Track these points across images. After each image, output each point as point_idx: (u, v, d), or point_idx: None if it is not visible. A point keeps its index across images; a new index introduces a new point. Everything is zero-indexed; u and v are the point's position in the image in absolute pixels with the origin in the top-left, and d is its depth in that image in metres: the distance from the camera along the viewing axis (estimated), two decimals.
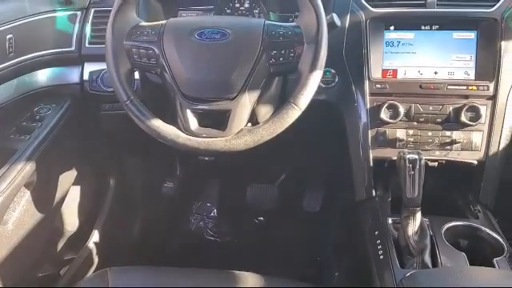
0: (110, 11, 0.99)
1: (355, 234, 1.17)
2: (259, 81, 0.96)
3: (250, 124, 0.99)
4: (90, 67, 1.29)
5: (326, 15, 0.96)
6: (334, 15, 1.02)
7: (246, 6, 1.39)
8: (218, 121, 0.97)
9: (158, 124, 0.97)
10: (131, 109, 0.97)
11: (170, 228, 1.84)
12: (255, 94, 0.96)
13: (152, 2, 1.33)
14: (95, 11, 1.31)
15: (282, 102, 0.98)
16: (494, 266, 0.89)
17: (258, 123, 0.97)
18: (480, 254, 0.96)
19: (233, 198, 1.96)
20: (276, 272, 1.02)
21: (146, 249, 1.68)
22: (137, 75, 1.22)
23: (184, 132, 0.97)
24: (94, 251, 1.49)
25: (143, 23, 1.01)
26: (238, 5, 1.40)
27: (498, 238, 0.98)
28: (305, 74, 0.93)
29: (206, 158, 1.69)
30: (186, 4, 1.39)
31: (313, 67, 0.92)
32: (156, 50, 0.97)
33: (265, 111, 1.05)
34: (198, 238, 1.85)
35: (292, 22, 0.99)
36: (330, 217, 1.73)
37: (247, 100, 0.95)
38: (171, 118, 1.00)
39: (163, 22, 1.01)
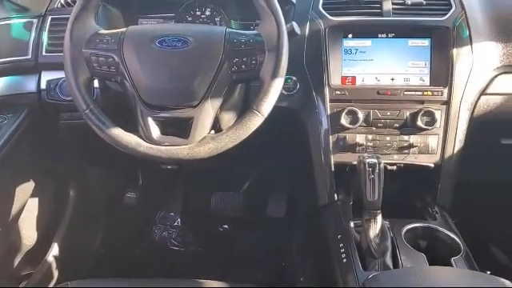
0: (67, 19, 0.97)
1: (319, 239, 1.19)
2: (222, 88, 0.96)
3: (213, 131, 0.99)
4: (47, 76, 1.26)
5: (286, 23, 0.97)
6: (294, 23, 1.03)
7: (208, 13, 1.40)
8: (180, 129, 0.97)
9: (118, 133, 0.96)
10: (91, 118, 0.95)
11: (132, 239, 1.80)
12: (218, 102, 0.97)
13: (111, 10, 1.32)
14: (52, 19, 1.28)
15: (245, 109, 0.99)
16: (451, 265, 0.92)
17: (222, 130, 0.98)
18: (438, 254, 0.99)
19: (197, 206, 1.94)
20: (241, 279, 1.02)
21: (109, 261, 1.64)
22: (96, 83, 1.20)
23: (145, 140, 0.96)
24: (54, 265, 1.44)
25: (102, 31, 1.00)
26: (199, 13, 1.40)
27: (455, 238, 1.01)
28: (267, 81, 0.94)
29: (169, 167, 1.68)
30: (146, 12, 1.38)
31: (274, 75, 0.93)
32: (116, 57, 0.95)
33: (228, 118, 1.06)
34: (161, 248, 1.82)
35: (253, 30, 1.00)
36: (294, 222, 1.74)
37: (210, 107, 0.95)
38: (132, 127, 0.99)
39: (123, 29, 0.99)
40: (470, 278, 0.80)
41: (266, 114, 0.94)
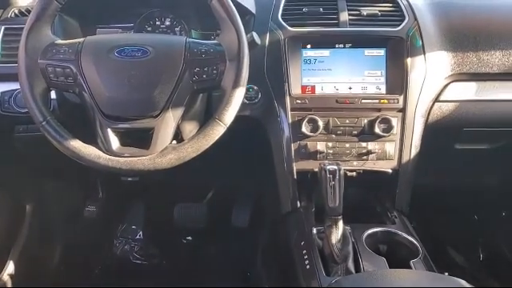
0: (22, 29, 0.94)
1: (283, 246, 1.19)
2: (183, 98, 0.96)
3: (174, 141, 0.99)
4: (1, 87, 1.22)
5: (246, 34, 0.98)
6: (254, 34, 1.05)
7: (167, 23, 1.39)
8: (141, 139, 0.96)
9: (77, 145, 0.94)
10: (48, 130, 0.93)
11: (93, 254, 1.75)
12: (179, 111, 0.96)
13: (68, 20, 1.29)
14: (6, 28, 1.24)
15: (207, 118, 0.99)
16: (411, 268, 0.95)
17: (183, 140, 0.97)
18: (398, 257, 1.01)
19: (159, 218, 1.91)
20: None
21: (69, 277, 1.59)
22: (53, 95, 1.17)
23: (105, 152, 0.94)
24: (9, 284, 1.38)
25: (59, 41, 0.97)
26: (158, 23, 1.39)
27: (414, 241, 1.04)
28: (228, 90, 0.94)
29: (130, 179, 1.65)
30: (104, 22, 1.36)
31: (236, 84, 0.94)
32: (73, 68, 0.94)
33: (190, 128, 1.05)
34: (123, 262, 1.78)
35: (214, 39, 1.01)
36: (259, 231, 1.75)
37: (171, 117, 0.95)
38: (91, 139, 0.97)
39: (80, 39, 0.98)
40: (428, 279, 0.83)
41: (228, 123, 0.95)
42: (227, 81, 0.94)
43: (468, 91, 1.23)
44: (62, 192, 1.68)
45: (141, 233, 1.86)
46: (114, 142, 0.95)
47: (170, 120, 0.95)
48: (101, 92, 0.94)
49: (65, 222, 1.69)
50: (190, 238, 1.87)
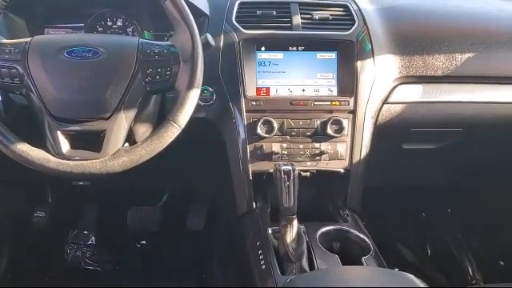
0: None
1: (238, 247, 1.20)
2: (135, 99, 0.94)
3: (127, 144, 0.97)
4: None
5: (201, 35, 0.98)
6: (208, 35, 1.04)
7: (119, 24, 1.37)
8: (92, 142, 0.94)
9: (24, 148, 0.90)
10: None
11: (43, 261, 1.69)
12: (132, 113, 0.95)
13: (14, 19, 1.24)
14: None
15: (160, 120, 0.97)
16: (362, 264, 0.98)
17: (136, 143, 0.96)
18: (350, 254, 1.04)
19: (112, 223, 1.87)
20: None
21: (17, 286, 1.52)
22: None
23: (55, 156, 0.92)
24: None
25: (4, 40, 0.94)
26: (110, 23, 1.36)
27: (365, 238, 1.08)
28: (182, 92, 0.94)
29: (81, 183, 1.60)
30: (52, 21, 1.32)
31: (190, 85, 0.93)
32: (20, 69, 0.90)
33: (143, 130, 1.04)
34: (75, 268, 1.73)
35: (167, 41, 1.00)
36: (214, 233, 1.74)
37: (123, 119, 0.93)
38: (40, 142, 0.94)
39: (27, 39, 0.94)
40: (378, 275, 0.86)
41: (182, 125, 0.94)
42: (181, 82, 0.94)
43: (415, 93, 1.29)
44: (9, 197, 1.61)
45: (93, 238, 1.81)
46: (64, 145, 0.92)
47: (123, 122, 0.94)
48: (49, 93, 0.91)
49: (12, 229, 1.62)
50: (144, 242, 1.84)
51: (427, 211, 1.92)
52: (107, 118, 0.93)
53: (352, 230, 1.10)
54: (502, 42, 1.31)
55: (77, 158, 0.92)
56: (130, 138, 1.00)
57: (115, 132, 0.93)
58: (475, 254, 1.78)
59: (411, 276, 0.78)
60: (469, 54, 1.29)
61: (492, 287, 1.00)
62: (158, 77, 0.94)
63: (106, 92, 0.91)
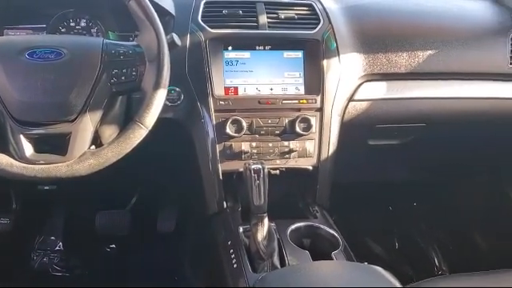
0: None
1: (210, 248, 1.20)
2: (101, 101, 0.93)
3: (93, 146, 0.95)
4: None
5: (166, 35, 0.97)
6: (174, 35, 1.04)
7: (83, 24, 1.34)
8: (57, 145, 0.92)
9: None
10: None
11: (7, 270, 1.64)
12: (97, 115, 0.93)
13: None
14: None
15: (127, 121, 0.96)
16: (332, 259, 1.00)
17: (103, 145, 0.94)
18: (321, 249, 1.06)
19: (80, 228, 1.83)
20: None
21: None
22: None
23: (18, 160, 0.89)
24: None
25: None
26: (73, 24, 1.33)
27: (335, 233, 1.09)
28: (149, 92, 0.93)
29: (47, 187, 1.56)
30: (13, 22, 1.28)
31: (156, 86, 0.92)
32: None
33: (110, 132, 1.02)
34: (42, 275, 1.68)
35: (132, 41, 0.99)
36: (185, 234, 1.73)
37: (89, 121, 0.92)
38: (2, 146, 0.91)
39: None
40: (348, 268, 0.88)
41: (149, 126, 0.93)
42: (147, 82, 0.93)
43: (379, 90, 1.32)
44: None
45: (61, 244, 1.77)
46: (28, 149, 0.90)
47: (88, 124, 0.92)
48: (11, 96, 0.88)
49: None
50: (113, 245, 1.81)
51: (394, 205, 1.97)
52: (72, 121, 0.91)
53: (322, 226, 1.11)
54: (462, 40, 1.36)
55: (41, 162, 0.90)
56: (97, 141, 0.98)
57: (81, 134, 0.91)
58: (440, 245, 1.84)
59: (379, 268, 0.80)
60: (430, 52, 1.33)
61: (457, 276, 1.04)
62: (123, 77, 0.93)
63: (70, 94, 0.90)
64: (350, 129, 1.30)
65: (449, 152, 1.62)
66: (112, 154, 0.92)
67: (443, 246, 1.84)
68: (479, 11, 1.46)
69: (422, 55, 1.32)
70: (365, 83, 1.31)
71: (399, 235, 1.91)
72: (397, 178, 1.79)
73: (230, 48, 1.23)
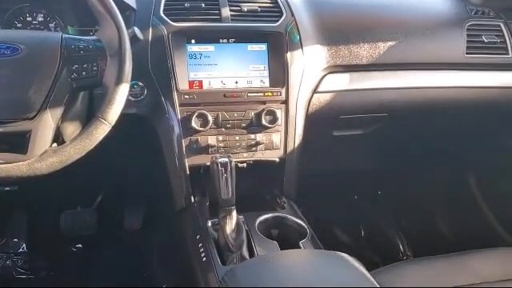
0: None
1: (178, 243, 1.19)
2: (62, 97, 0.90)
3: (55, 144, 0.93)
4: None
5: (128, 29, 0.96)
6: (136, 29, 1.02)
7: (40, 19, 1.30)
8: (17, 144, 0.89)
9: None
10: None
11: None
12: (58, 112, 0.91)
13: None
14: None
15: (89, 118, 0.94)
16: (300, 248, 1.01)
17: (65, 142, 0.92)
18: (288, 239, 1.07)
19: (44, 228, 1.78)
20: None
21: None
22: None
23: None
24: None
25: None
26: (30, 18, 1.29)
27: (302, 223, 1.11)
28: (111, 87, 0.91)
29: (7, 188, 1.51)
30: None
31: (118, 80, 0.91)
32: None
33: (71, 129, 1.00)
34: (6, 279, 1.63)
35: (92, 35, 0.97)
36: (153, 231, 1.72)
37: (49, 118, 0.89)
38: None
39: None
40: (314, 255, 0.89)
41: (112, 122, 0.92)
42: (109, 77, 0.91)
43: (342, 82, 1.34)
44: None
45: (24, 245, 1.72)
46: None
47: (49, 121, 0.89)
48: None
49: None
50: (79, 245, 1.77)
51: (359, 194, 2.01)
52: (32, 118, 0.88)
53: (289, 217, 1.13)
54: (421, 31, 1.40)
55: (1, 162, 0.87)
56: (58, 138, 0.96)
57: (41, 132, 0.89)
58: (404, 231, 1.90)
59: (345, 255, 0.82)
60: (391, 43, 1.36)
61: (420, 260, 1.08)
62: (84, 73, 0.91)
63: (29, 91, 0.87)
64: (315, 120, 1.32)
65: (411, 141, 1.67)
66: (74, 151, 0.90)
67: (407, 232, 1.90)
68: (437, 3, 1.50)
69: (383, 46, 1.35)
70: (328, 75, 1.33)
71: (364, 223, 1.95)
72: (361, 168, 1.83)
73: (193, 41, 1.22)
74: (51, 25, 1.30)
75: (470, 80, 1.43)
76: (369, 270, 0.83)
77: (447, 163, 1.83)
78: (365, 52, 1.34)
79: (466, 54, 1.41)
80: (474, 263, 1.03)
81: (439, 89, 1.42)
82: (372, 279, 0.76)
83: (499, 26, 1.47)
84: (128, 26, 0.96)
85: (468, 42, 1.42)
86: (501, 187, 1.67)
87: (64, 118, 0.94)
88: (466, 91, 1.44)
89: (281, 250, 0.99)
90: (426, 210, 1.92)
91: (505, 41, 1.45)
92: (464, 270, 1.01)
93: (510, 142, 1.57)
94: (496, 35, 1.45)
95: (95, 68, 0.91)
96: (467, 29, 1.43)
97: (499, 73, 1.45)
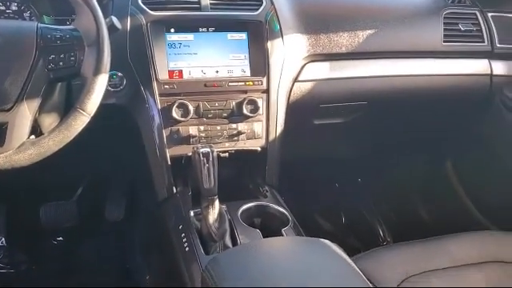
0: None
1: (161, 233, 1.19)
2: (38, 88, 0.89)
3: (33, 136, 0.91)
4: None
5: (105, 18, 0.94)
6: (114, 18, 1.01)
7: (14, 8, 1.26)
8: None
9: None
10: None
11: None
12: (35, 103, 0.89)
13: None
14: None
15: (68, 109, 0.93)
16: (282, 236, 1.03)
17: (43, 134, 0.91)
18: (271, 227, 1.08)
19: (25, 221, 1.76)
20: None
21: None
22: None
23: None
24: None
25: None
26: (3, 7, 1.25)
27: (284, 211, 1.12)
28: (89, 78, 0.90)
29: None
30: None
31: (97, 71, 0.90)
32: None
33: (50, 121, 0.98)
34: None
35: (69, 25, 0.95)
36: (135, 222, 1.71)
37: (26, 110, 0.87)
38: None
39: None
40: (296, 242, 0.90)
41: (91, 113, 0.91)
42: (87, 68, 0.90)
43: (322, 71, 1.35)
44: None
45: (3, 239, 1.69)
46: None
47: (26, 113, 0.88)
48: None
49: None
50: (60, 238, 1.75)
51: (340, 182, 2.04)
52: (8, 110, 0.86)
53: (271, 205, 1.14)
54: (400, 20, 1.41)
55: None
56: (36, 130, 0.95)
57: (18, 124, 0.87)
58: (384, 218, 1.94)
59: (327, 241, 0.83)
60: (370, 31, 1.37)
61: (399, 245, 1.10)
62: (61, 63, 0.89)
63: (4, 82, 0.85)
64: (296, 109, 1.32)
65: (390, 129, 1.69)
66: (53, 142, 0.89)
67: (387, 218, 1.94)
68: None
69: (362, 35, 1.36)
70: (309, 64, 1.33)
71: (345, 210, 1.98)
72: (342, 156, 1.85)
73: (172, 30, 1.21)
74: (26, 14, 1.27)
75: (447, 68, 1.46)
76: (350, 255, 0.84)
77: (425, 150, 1.87)
78: (344, 41, 1.35)
79: (444, 42, 1.44)
80: (451, 247, 1.06)
81: (417, 77, 1.44)
82: (353, 264, 0.78)
83: (475, 14, 1.49)
84: (106, 16, 0.95)
85: (445, 30, 1.44)
86: (476, 173, 1.71)
87: (42, 109, 0.93)
88: (443, 79, 1.47)
89: (263, 238, 1.00)
90: (405, 197, 1.95)
91: (480, 29, 1.48)
92: (441, 253, 1.04)
93: (484, 128, 1.61)
94: (472, 23, 1.48)
95: (73, 58, 0.90)
96: (444, 17, 1.45)
97: (475, 60, 1.48)
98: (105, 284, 1.54)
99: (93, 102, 0.90)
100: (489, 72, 1.48)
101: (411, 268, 0.99)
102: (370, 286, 0.74)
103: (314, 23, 1.34)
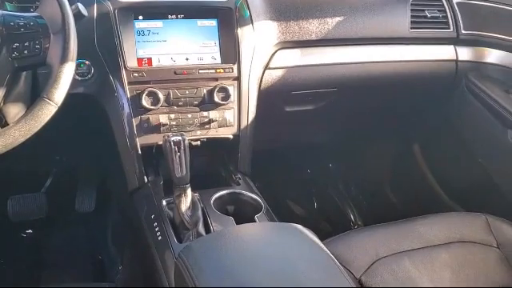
0: None
1: (133, 224, 1.18)
2: (2, 77, 0.86)
3: None
4: None
5: (71, 5, 0.92)
6: (80, 5, 0.99)
7: None
8: None
9: None
10: None
11: None
12: (0, 93, 0.87)
13: None
14: None
15: (35, 99, 0.90)
16: (255, 222, 1.04)
17: (9, 125, 0.88)
18: (244, 214, 1.09)
19: None
20: (55, 281, 0.95)
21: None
22: None
23: None
24: None
25: None
26: None
27: (257, 198, 1.13)
28: (55, 66, 0.87)
29: None
30: None
31: (63, 59, 0.87)
32: None
33: (15, 111, 0.96)
34: None
35: (33, 12, 0.92)
36: (106, 213, 1.69)
37: None
38: None
39: None
40: (269, 228, 0.92)
41: (59, 103, 0.88)
42: (53, 56, 0.88)
43: (293, 58, 1.35)
44: None
45: None
46: None
47: None
48: None
49: None
50: (30, 231, 1.72)
51: (312, 168, 2.07)
52: None
53: (244, 192, 1.15)
54: (368, 6, 1.43)
55: None
56: (1, 121, 0.92)
57: None
58: (355, 202, 1.98)
59: (299, 226, 0.85)
60: (339, 18, 1.38)
61: (369, 228, 1.13)
62: (26, 51, 0.87)
63: None
64: (268, 96, 1.33)
65: (359, 114, 1.72)
66: (19, 133, 0.86)
67: (358, 202, 1.98)
68: None
69: (331, 22, 1.37)
70: (279, 51, 1.34)
71: (317, 195, 2.01)
72: (313, 142, 1.87)
73: (140, 17, 1.19)
74: None
75: (414, 54, 1.49)
76: (322, 239, 0.86)
77: (394, 135, 1.91)
78: (314, 28, 1.36)
79: (411, 28, 1.46)
80: (420, 228, 1.09)
81: (385, 63, 1.47)
82: (324, 248, 0.80)
83: (441, 0, 1.52)
84: (71, 2, 0.93)
85: (412, 16, 1.46)
86: (442, 156, 1.76)
87: (6, 99, 0.90)
88: (410, 65, 1.50)
89: (237, 224, 1.01)
90: (375, 181, 2.00)
91: (446, 15, 1.51)
92: (410, 235, 1.07)
93: (450, 112, 1.65)
94: (438, 10, 1.51)
95: (38, 46, 0.87)
96: (411, 4, 1.47)
97: (441, 46, 1.52)
98: (76, 276, 1.52)
99: (60, 91, 0.87)
100: (454, 58, 1.52)
101: (381, 250, 1.02)
102: (341, 268, 0.76)
103: (284, 10, 1.34)
